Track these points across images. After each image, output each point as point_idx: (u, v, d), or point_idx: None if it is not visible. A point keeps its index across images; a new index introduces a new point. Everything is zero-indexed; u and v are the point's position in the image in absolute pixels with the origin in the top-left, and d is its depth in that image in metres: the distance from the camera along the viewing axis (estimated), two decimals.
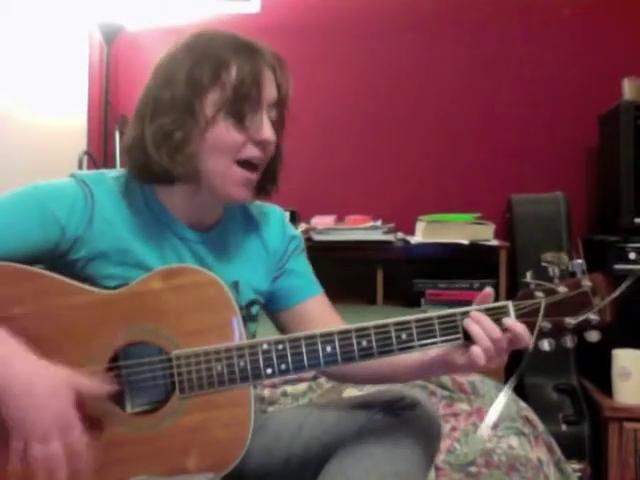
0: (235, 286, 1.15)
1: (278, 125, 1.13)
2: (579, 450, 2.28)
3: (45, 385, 0.93)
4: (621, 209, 2.34)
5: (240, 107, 1.06)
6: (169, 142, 1.06)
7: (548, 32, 2.77)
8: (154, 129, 1.06)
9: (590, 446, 2.30)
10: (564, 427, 2.33)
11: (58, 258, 1.08)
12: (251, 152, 1.09)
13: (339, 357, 1.03)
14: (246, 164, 1.09)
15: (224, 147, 1.07)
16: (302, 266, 1.27)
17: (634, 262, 2.27)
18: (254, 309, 1.20)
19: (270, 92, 1.09)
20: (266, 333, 1.24)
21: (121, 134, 2.70)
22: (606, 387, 2.27)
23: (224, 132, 1.06)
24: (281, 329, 1.25)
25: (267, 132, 1.08)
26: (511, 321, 1.03)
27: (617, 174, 2.37)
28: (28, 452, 0.92)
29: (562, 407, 2.40)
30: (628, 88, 2.43)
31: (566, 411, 2.38)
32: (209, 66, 1.06)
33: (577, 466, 2.20)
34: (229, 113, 1.06)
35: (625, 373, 2.20)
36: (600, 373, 2.29)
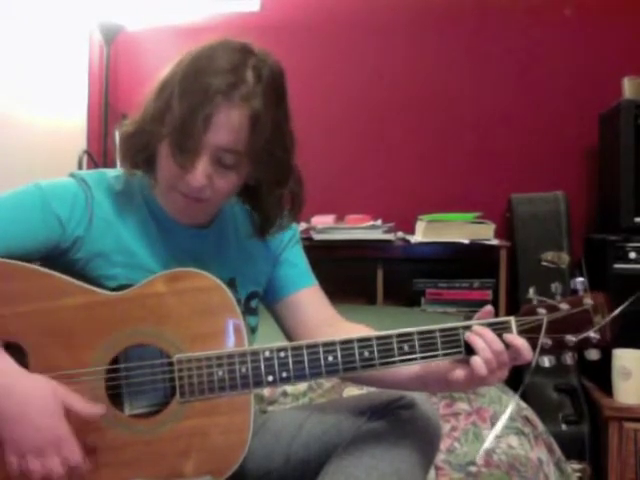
0: (232, 283, 1.16)
1: (233, 169, 1.05)
2: (579, 450, 2.28)
3: (38, 404, 0.94)
4: (621, 209, 2.34)
5: (176, 142, 1.02)
6: (129, 141, 1.10)
7: (548, 32, 2.77)
8: (124, 126, 1.11)
9: (590, 446, 2.30)
10: (564, 427, 2.33)
11: (59, 257, 1.08)
12: (183, 188, 1.05)
13: (340, 367, 1.03)
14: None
15: (163, 169, 1.07)
16: (297, 257, 1.27)
17: (634, 262, 2.27)
18: (253, 302, 1.21)
19: (221, 138, 1.01)
20: (268, 328, 1.24)
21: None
22: (606, 387, 2.27)
23: (164, 156, 1.06)
24: (277, 320, 1.26)
25: (194, 178, 1.02)
26: (513, 336, 1.03)
27: (617, 174, 2.36)
28: (24, 466, 0.94)
29: (562, 407, 2.39)
30: (628, 87, 2.43)
31: (566, 411, 2.38)
32: (168, 89, 1.03)
33: (577, 466, 2.20)
34: (169, 142, 1.03)
35: (625, 373, 2.19)
36: (600, 373, 2.29)
